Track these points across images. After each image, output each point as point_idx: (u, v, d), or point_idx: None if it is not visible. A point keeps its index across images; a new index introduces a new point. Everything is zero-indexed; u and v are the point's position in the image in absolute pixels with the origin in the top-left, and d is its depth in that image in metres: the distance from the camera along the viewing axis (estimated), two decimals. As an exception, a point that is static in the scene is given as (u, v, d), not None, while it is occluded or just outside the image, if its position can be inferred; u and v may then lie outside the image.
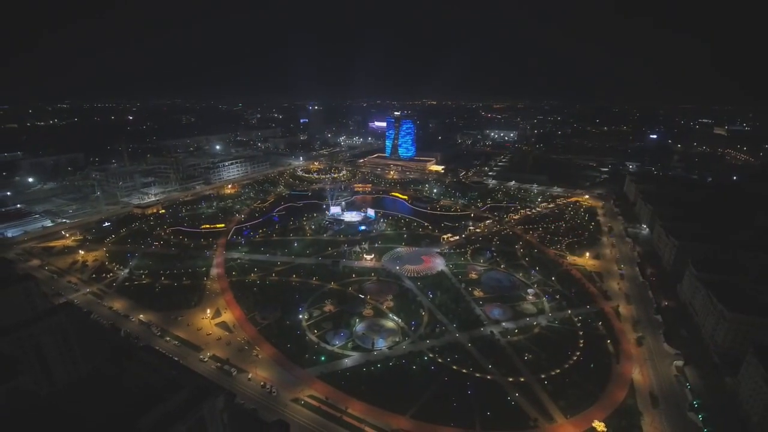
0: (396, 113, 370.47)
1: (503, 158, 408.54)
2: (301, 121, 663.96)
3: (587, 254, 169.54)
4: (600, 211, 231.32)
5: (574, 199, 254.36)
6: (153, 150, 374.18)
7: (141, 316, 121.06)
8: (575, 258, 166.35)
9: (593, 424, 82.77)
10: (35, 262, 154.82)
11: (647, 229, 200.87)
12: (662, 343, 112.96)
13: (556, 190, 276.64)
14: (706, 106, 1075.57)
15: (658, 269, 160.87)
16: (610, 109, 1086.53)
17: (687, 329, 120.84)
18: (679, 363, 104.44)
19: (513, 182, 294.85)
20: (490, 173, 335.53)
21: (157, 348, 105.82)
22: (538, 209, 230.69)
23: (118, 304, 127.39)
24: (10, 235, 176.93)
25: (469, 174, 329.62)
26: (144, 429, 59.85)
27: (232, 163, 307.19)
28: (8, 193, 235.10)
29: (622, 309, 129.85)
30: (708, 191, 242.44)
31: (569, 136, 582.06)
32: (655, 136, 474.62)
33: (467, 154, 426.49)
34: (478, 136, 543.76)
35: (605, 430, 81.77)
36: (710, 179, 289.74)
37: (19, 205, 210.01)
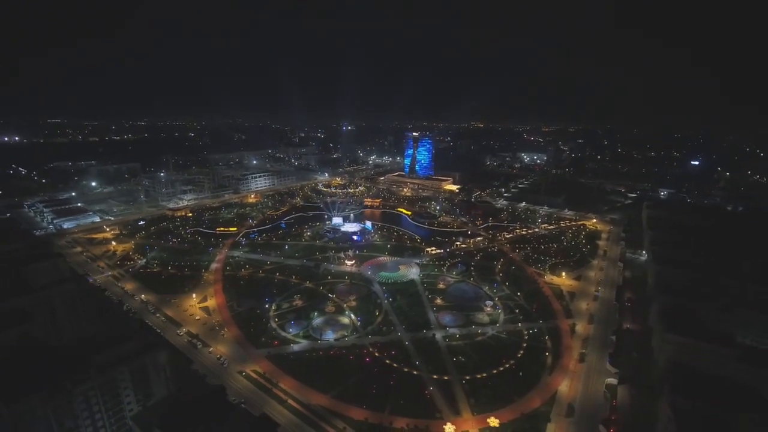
0: (415, 133, 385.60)
1: (526, 180, 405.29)
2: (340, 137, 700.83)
3: (568, 274, 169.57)
4: (604, 236, 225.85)
5: (581, 222, 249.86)
6: (199, 162, 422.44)
7: (143, 296, 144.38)
8: (553, 277, 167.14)
9: (488, 420, 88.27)
10: (78, 248, 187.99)
11: (646, 255, 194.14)
12: (606, 361, 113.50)
13: (567, 213, 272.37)
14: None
15: (641, 294, 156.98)
16: (670, 133, 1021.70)
17: (641, 352, 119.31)
18: (612, 381, 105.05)
19: (523, 203, 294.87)
20: (506, 194, 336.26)
21: (147, 321, 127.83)
22: (536, 230, 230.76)
23: (129, 286, 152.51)
24: (65, 226, 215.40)
25: (483, 194, 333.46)
26: (96, 363, 78.20)
27: (260, 176, 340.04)
28: (73, 194, 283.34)
29: (580, 327, 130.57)
30: (725, 220, 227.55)
31: (607, 160, 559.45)
32: (696, 163, 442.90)
33: (489, 174, 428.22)
34: (507, 158, 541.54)
35: (498, 426, 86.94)
36: (740, 208, 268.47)
37: (79, 204, 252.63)
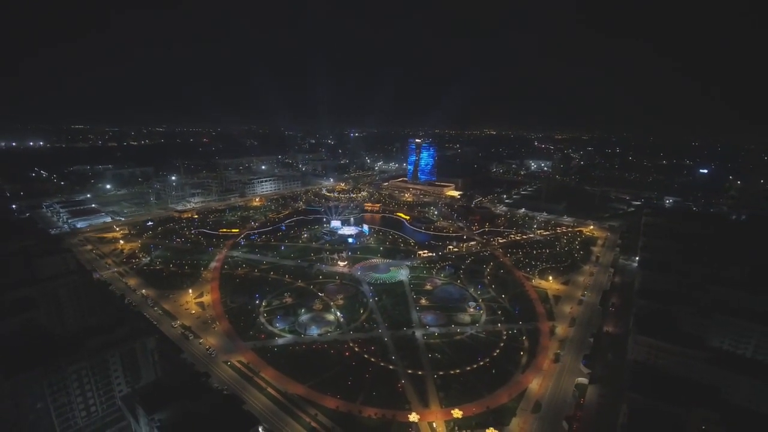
0: (417, 140, 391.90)
1: (529, 187, 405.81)
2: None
3: (558, 279, 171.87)
4: (599, 242, 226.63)
5: (579, 229, 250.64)
6: (210, 167, 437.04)
7: (144, 291, 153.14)
8: (541, 281, 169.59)
9: (452, 412, 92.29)
10: (89, 246, 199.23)
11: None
12: (580, 362, 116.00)
13: (566, 219, 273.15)
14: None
15: (627, 299, 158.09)
16: (688, 142, 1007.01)
17: (616, 354, 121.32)
18: (583, 380, 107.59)
19: (522, 210, 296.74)
20: (507, 200, 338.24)
21: (144, 314, 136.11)
22: (531, 235, 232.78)
23: (132, 281, 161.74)
24: (79, 226, 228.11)
25: (485, 200, 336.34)
26: (89, 346, 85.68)
27: (266, 180, 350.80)
28: (88, 195, 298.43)
29: (560, 329, 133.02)
30: (723, 227, 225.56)
31: (616, 168, 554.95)
32: (705, 171, 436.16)
33: (493, 181, 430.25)
34: (513, 165, 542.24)
35: (460, 417, 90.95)
36: (743, 217, 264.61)
37: (93, 205, 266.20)
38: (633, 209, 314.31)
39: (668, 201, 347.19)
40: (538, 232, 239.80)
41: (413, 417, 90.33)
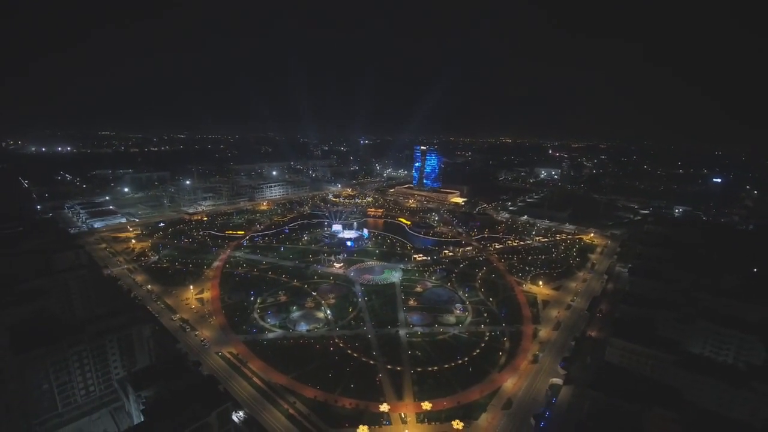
0: (422, 147, 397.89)
1: (536, 195, 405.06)
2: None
3: (549, 284, 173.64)
4: (598, 250, 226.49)
5: (579, 236, 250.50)
6: (223, 172, 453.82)
7: (149, 286, 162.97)
8: (531, 286, 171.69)
9: (422, 404, 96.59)
10: (103, 245, 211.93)
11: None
12: (558, 364, 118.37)
13: (567, 227, 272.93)
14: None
15: (616, 305, 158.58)
16: (710, 151, 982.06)
17: (596, 357, 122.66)
18: (558, 381, 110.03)
19: (524, 217, 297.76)
20: (511, 207, 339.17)
21: (148, 307, 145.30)
22: (528, 242, 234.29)
23: (139, 278, 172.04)
24: (96, 226, 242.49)
25: (488, 207, 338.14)
26: (88, 331, 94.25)
27: (275, 185, 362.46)
28: (107, 198, 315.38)
29: (543, 333, 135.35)
30: (725, 237, 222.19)
31: (629, 175, 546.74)
32: (719, 180, 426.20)
33: (499, 189, 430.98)
34: (522, 173, 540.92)
35: (430, 408, 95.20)
36: (751, 227, 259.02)
37: (111, 207, 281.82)
38: (639, 218, 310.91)
39: (678, 210, 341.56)
40: (537, 238, 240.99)
41: (384, 407, 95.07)
